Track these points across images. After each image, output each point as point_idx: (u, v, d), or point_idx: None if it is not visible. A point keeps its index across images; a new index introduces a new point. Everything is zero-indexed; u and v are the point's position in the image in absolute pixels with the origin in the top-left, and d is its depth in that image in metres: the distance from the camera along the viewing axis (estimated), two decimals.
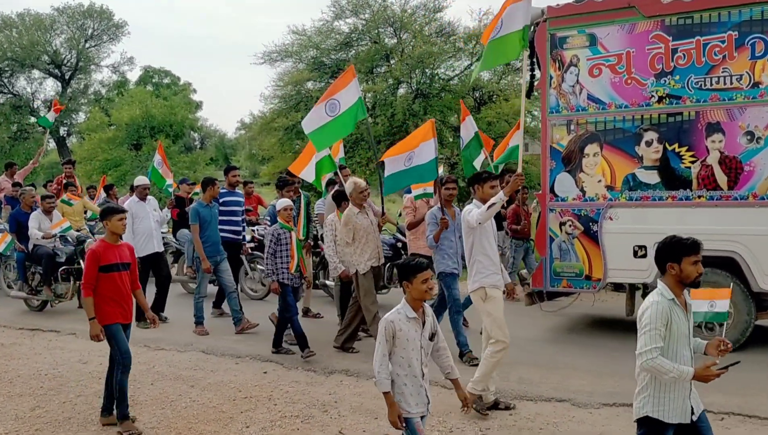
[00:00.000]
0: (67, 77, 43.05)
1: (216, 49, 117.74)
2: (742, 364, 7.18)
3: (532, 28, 8.35)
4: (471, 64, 25.20)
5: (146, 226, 9.85)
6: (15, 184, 13.68)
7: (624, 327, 9.00)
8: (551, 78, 8.55)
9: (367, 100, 27.39)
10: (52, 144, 45.08)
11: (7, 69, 41.34)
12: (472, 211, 6.13)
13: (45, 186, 15.51)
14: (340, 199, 8.61)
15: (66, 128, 43.94)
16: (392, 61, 25.50)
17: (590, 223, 8.40)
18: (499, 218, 8.74)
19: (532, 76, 8.79)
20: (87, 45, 42.88)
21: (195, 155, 35.35)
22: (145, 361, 7.87)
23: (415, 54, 23.82)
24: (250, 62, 53.84)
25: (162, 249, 10.25)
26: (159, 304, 9.92)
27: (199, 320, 9.36)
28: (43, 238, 10.63)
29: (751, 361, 6.93)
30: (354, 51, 26.12)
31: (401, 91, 25.80)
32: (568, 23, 8.42)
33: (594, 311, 10.25)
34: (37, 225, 10.70)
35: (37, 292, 11.02)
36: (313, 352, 7.82)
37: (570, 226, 8.51)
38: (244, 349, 8.34)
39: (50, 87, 43.99)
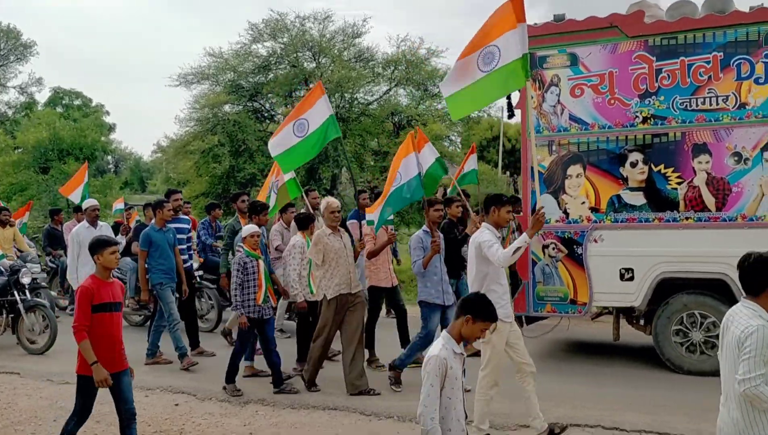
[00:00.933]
0: None
1: (132, 71, 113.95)
2: (660, 382, 7.22)
3: None
4: (390, 90, 24.58)
5: None
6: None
7: (593, 351, 8.99)
8: (531, 98, 7.85)
9: None
10: None
11: None
12: (493, 247, 5.53)
13: None
14: (306, 222, 7.94)
15: None
16: (311, 85, 24.50)
17: (574, 246, 7.90)
18: (456, 243, 8.01)
19: (509, 96, 8.05)
20: None
21: (107, 178, 33.05)
22: (48, 395, 7.33)
23: (334, 78, 22.95)
24: (165, 84, 51.50)
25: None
26: None
27: (182, 352, 8.31)
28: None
29: (668, 380, 7.36)
30: (272, 74, 25.01)
31: None
32: (548, 42, 7.97)
33: (578, 336, 9.80)
34: None
35: None
36: (240, 391, 7.19)
37: (553, 248, 7.99)
38: (154, 381, 7.74)
39: None
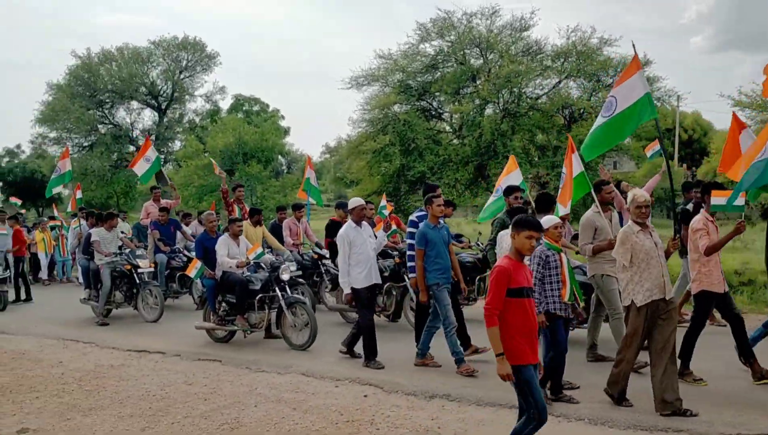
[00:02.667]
0: (163, 107, 43.95)
1: (298, 75, 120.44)
2: None
3: None
4: (560, 82, 24.31)
5: (365, 255, 8.16)
6: (162, 210, 13.16)
7: None
8: None
9: (453, 121, 26.85)
10: None
11: (107, 101, 42.51)
12: None
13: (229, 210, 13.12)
14: (549, 203, 7.54)
15: (163, 156, 44.82)
16: (479, 82, 24.84)
17: None
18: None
19: None
20: (182, 76, 43.67)
21: (285, 179, 35.32)
22: (248, 382, 7.67)
23: (503, 74, 23.10)
24: (338, 87, 53.62)
25: (380, 280, 8.60)
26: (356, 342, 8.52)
27: (459, 357, 7.73)
28: (237, 266, 9.51)
29: None
30: (440, 73, 25.60)
31: (488, 111, 25.11)
32: None
33: None
34: (225, 251, 9.56)
35: (226, 322, 9.75)
36: (574, 399, 6.46)
37: None
38: (344, 372, 7.93)
39: (148, 117, 45.06)
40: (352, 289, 8.03)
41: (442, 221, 8.02)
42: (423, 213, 8.27)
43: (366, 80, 26.44)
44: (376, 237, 8.62)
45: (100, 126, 42.54)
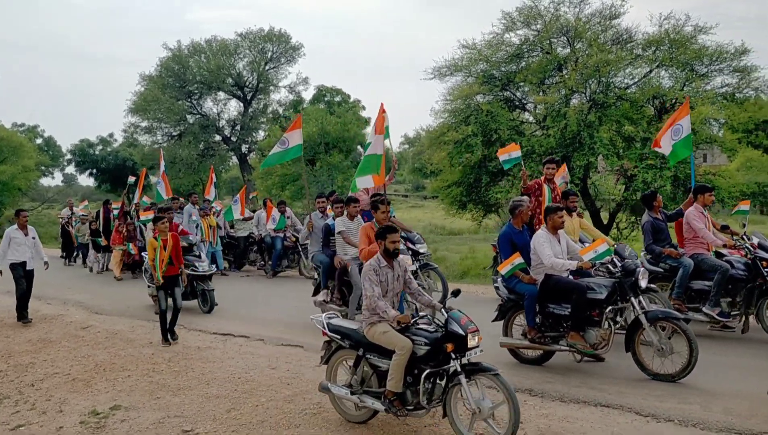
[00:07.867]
0: (248, 98, 44.90)
1: (381, 67, 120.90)
2: None
3: None
4: (651, 71, 23.44)
5: None
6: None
7: None
8: None
9: (538, 111, 26.29)
10: (234, 159, 47.28)
11: (196, 92, 43.83)
12: None
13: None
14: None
15: (247, 146, 45.81)
16: (565, 71, 24.21)
17: None
18: None
19: None
20: (267, 67, 44.55)
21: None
22: None
23: (591, 63, 22.42)
24: (420, 78, 53.34)
25: None
26: None
27: None
28: (580, 268, 7.67)
29: None
30: (525, 62, 25.09)
31: (574, 101, 24.43)
32: None
33: None
34: (550, 250, 7.63)
35: (548, 340, 7.72)
36: None
37: None
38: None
39: (233, 108, 46.23)
40: None
41: None
42: None
43: (449, 70, 26.16)
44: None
45: (188, 116, 43.97)
